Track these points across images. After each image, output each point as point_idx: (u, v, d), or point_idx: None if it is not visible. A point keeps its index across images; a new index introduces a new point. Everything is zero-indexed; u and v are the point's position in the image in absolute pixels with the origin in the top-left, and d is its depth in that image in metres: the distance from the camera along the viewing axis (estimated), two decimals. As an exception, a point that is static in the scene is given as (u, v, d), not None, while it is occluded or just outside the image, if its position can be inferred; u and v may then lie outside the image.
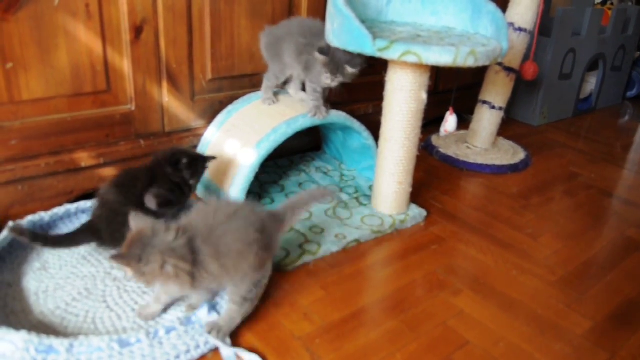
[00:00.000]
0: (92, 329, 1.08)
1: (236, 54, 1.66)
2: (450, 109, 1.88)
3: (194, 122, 1.65)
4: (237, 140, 1.50)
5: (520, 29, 2.02)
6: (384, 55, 1.30)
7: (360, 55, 1.44)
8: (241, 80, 1.71)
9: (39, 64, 1.34)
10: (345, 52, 1.44)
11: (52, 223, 1.38)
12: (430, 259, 1.44)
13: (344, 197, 1.68)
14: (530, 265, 1.45)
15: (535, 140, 2.48)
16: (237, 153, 1.47)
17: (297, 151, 1.99)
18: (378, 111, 2.01)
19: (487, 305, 1.27)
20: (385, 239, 1.51)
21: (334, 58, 1.46)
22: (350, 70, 1.47)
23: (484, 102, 2.15)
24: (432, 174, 1.99)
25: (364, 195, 1.70)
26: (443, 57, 1.26)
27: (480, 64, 1.32)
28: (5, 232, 1.26)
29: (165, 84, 1.55)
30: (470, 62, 1.29)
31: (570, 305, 1.29)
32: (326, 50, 1.45)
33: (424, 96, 1.45)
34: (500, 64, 2.07)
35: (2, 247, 1.25)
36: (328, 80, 1.49)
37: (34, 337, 0.94)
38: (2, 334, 0.94)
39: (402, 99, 1.43)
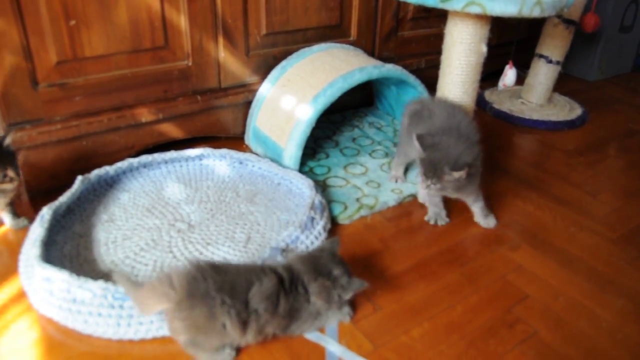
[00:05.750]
0: (161, 277, 1.13)
1: (290, 8, 1.65)
2: (510, 62, 1.83)
3: (249, 77, 1.66)
4: (293, 95, 1.51)
5: (581, -22, 1.93)
6: (447, 7, 1.27)
7: (471, 149, 1.21)
8: (295, 35, 1.70)
9: (99, 21, 1.36)
10: (450, 147, 1.19)
11: (116, 177, 1.43)
12: (486, 214, 1.43)
13: (398, 152, 1.68)
14: (589, 222, 1.43)
15: (592, 96, 2.39)
16: (293, 108, 1.48)
17: (350, 107, 1.98)
18: (430, 66, 1.99)
19: (546, 261, 1.26)
20: (441, 194, 1.51)
21: (432, 156, 1.19)
22: (451, 176, 1.18)
23: (541, 56, 2.08)
24: (485, 130, 1.93)
25: (417, 151, 1.69)
26: (508, 8, 1.22)
27: (547, 14, 1.27)
28: (75, 186, 1.31)
29: (221, 40, 1.56)
30: (536, 13, 1.24)
31: (631, 262, 1.27)
32: (428, 143, 1.20)
33: (484, 49, 1.41)
34: (559, 16, 1.99)
35: (72, 200, 1.31)
36: (424, 184, 1.23)
37: (110, 286, 0.99)
38: (81, 282, 0.99)
39: (462, 51, 1.40)
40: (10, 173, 1.18)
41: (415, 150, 1.24)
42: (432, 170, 1.19)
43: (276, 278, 0.93)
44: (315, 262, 0.99)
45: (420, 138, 1.21)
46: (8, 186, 1.19)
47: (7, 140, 1.19)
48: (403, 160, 1.47)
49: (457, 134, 1.25)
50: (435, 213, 1.37)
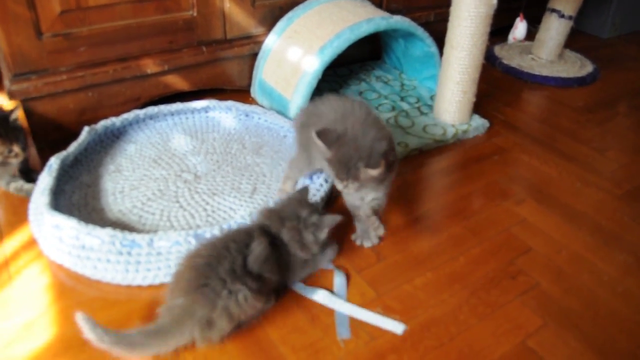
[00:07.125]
0: (168, 226, 1.14)
1: (297, -43, 1.61)
2: (521, 14, 1.78)
3: (255, 28, 1.64)
4: (299, 47, 1.49)
5: None
6: (457, -46, 1.23)
7: (382, 133, 1.01)
8: (301, -15, 1.67)
9: (103, -32, 1.34)
10: (361, 139, 0.98)
11: (122, 128, 1.43)
12: (492, 168, 1.43)
13: (405, 106, 1.66)
14: (595, 178, 1.42)
15: (604, 53, 2.35)
16: (299, 60, 1.46)
17: (357, 60, 1.95)
18: (439, 19, 1.96)
19: (550, 215, 1.27)
20: (447, 148, 1.50)
21: (341, 154, 0.98)
22: (366, 173, 0.98)
23: (553, 10, 2.03)
24: (494, 85, 1.93)
25: (425, 105, 1.67)
26: (520, -45, 1.19)
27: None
28: (81, 137, 1.32)
29: (226, -11, 1.53)
30: (549, -39, 1.21)
31: (635, 218, 1.28)
32: (332, 138, 0.99)
33: (494, 0, 1.38)
34: (573, -33, 1.93)
35: (79, 151, 1.31)
36: (339, 186, 1.03)
37: (118, 233, 1.01)
38: (90, 229, 1.01)
39: (471, 3, 1.37)
40: (16, 148, 1.18)
41: (319, 152, 1.04)
42: (345, 171, 0.98)
43: (264, 239, 0.92)
44: (281, 212, 0.99)
45: (321, 134, 0.99)
46: (13, 161, 1.20)
47: (14, 116, 1.19)
48: (296, 174, 1.22)
49: (360, 121, 1.04)
50: (362, 230, 1.15)
